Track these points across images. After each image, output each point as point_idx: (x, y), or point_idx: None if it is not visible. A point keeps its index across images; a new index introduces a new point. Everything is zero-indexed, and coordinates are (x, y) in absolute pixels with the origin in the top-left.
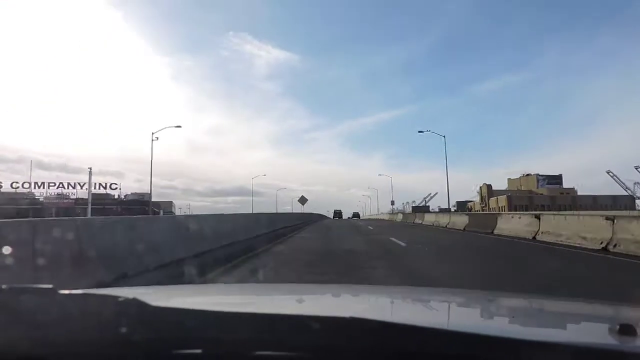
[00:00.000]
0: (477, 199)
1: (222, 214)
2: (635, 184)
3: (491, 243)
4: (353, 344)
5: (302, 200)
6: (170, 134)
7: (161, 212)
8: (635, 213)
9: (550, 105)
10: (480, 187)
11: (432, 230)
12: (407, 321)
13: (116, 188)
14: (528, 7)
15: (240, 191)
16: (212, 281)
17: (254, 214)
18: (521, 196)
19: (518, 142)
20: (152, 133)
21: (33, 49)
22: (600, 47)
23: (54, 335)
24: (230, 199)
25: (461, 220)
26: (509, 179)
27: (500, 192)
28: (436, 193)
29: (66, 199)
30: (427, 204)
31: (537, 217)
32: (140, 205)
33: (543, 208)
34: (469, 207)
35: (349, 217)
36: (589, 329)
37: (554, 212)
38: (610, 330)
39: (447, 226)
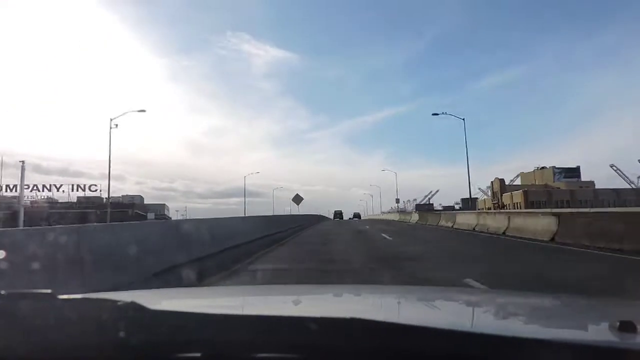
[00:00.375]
0: (480, 195)
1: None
2: (639, 177)
3: None
4: (353, 344)
5: (297, 199)
6: (169, 135)
7: (149, 215)
8: None
9: (548, 101)
10: (492, 182)
11: (533, 250)
12: (408, 321)
13: (95, 190)
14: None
15: (242, 192)
16: None
17: (229, 219)
18: (538, 191)
19: (516, 139)
20: (111, 119)
21: (31, 50)
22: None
23: (53, 340)
24: (232, 200)
25: (542, 225)
26: (521, 173)
27: (514, 188)
28: (437, 191)
29: (34, 202)
30: (430, 202)
31: None
32: (125, 209)
33: (562, 204)
34: (479, 204)
35: (349, 218)
36: (589, 326)
37: None
38: (611, 327)
39: (522, 236)
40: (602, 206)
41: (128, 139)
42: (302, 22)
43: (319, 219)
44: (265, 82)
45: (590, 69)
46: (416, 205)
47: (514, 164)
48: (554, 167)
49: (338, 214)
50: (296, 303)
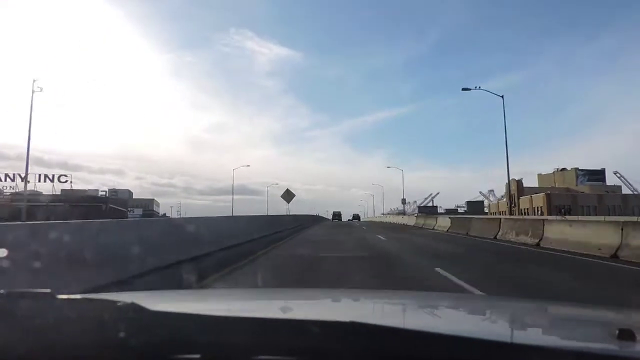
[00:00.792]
0: (487, 200)
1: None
2: None
3: None
4: (352, 348)
5: (288, 195)
6: (169, 131)
7: (136, 211)
8: None
9: (551, 105)
10: (508, 183)
11: None
12: (407, 326)
13: (66, 181)
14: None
15: (242, 190)
16: None
17: (201, 219)
18: (562, 194)
19: (519, 142)
20: (34, 81)
21: (36, 44)
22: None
23: (52, 340)
24: (231, 197)
25: (598, 237)
26: (539, 175)
27: (532, 191)
28: (437, 193)
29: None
30: (435, 205)
31: None
32: (98, 203)
33: (589, 210)
34: (491, 208)
35: (349, 220)
36: (588, 334)
37: None
38: (609, 335)
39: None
40: (633, 214)
41: (128, 136)
42: (304, 20)
43: (314, 220)
44: (267, 80)
45: (590, 74)
46: (418, 207)
47: (516, 169)
48: (576, 169)
49: (337, 215)
50: (296, 306)
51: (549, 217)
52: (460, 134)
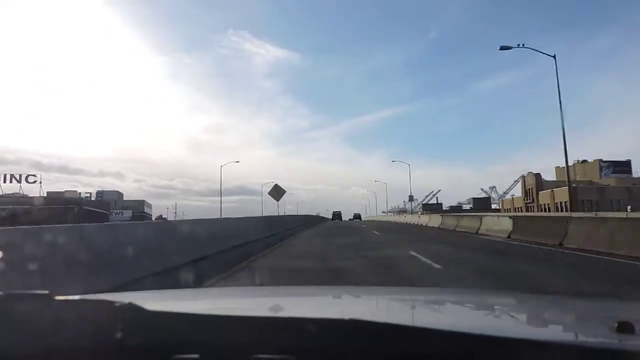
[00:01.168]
0: (483, 196)
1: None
2: None
3: None
4: (353, 346)
5: (276, 192)
6: (168, 134)
7: (125, 213)
8: None
9: (550, 102)
10: (524, 177)
11: None
12: (407, 322)
13: (34, 181)
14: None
15: (241, 190)
16: None
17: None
18: (589, 188)
19: (517, 139)
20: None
21: (33, 49)
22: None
23: (50, 341)
24: (231, 198)
25: None
26: (557, 168)
27: (552, 185)
28: (439, 190)
29: None
30: (438, 202)
31: None
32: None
33: (619, 205)
34: (504, 204)
35: (350, 219)
36: (587, 327)
37: None
38: (609, 328)
39: None
40: None
41: (128, 139)
42: (303, 21)
43: (306, 221)
44: (265, 81)
45: (588, 71)
46: (423, 204)
47: (518, 166)
48: (600, 161)
49: (337, 215)
50: (294, 304)
51: None
52: (459, 132)
